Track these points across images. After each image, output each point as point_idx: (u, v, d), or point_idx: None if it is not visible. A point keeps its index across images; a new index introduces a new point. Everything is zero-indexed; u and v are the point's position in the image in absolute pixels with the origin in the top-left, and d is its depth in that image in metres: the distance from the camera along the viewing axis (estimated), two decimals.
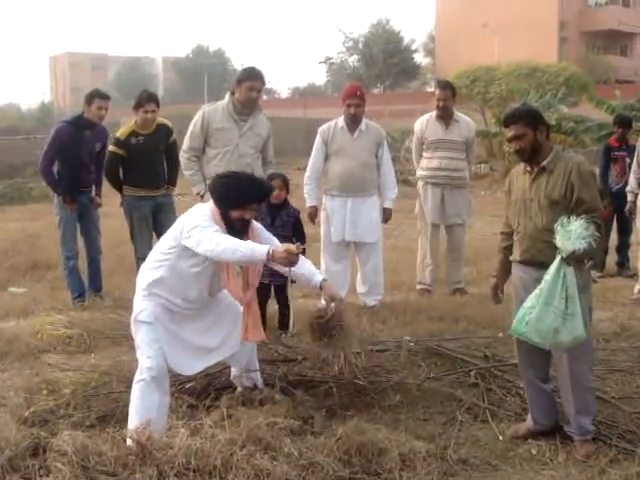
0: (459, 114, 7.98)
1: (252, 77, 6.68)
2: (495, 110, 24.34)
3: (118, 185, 7.68)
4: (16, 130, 31.17)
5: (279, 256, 4.05)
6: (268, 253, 4.02)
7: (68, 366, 5.63)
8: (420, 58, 66.64)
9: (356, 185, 7.13)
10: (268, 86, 68.12)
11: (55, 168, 7.69)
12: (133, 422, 4.13)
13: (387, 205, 7.39)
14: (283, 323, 6.37)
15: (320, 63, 69.08)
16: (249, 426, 3.75)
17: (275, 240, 4.60)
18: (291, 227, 6.38)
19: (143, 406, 4.18)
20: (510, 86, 24.92)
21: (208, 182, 4.95)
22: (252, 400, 4.62)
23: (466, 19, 54.18)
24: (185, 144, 6.85)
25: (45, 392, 5.05)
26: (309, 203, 7.26)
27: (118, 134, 7.62)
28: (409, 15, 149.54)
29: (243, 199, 4.29)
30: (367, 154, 7.20)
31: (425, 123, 7.91)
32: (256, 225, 4.62)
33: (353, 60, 63.90)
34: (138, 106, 7.45)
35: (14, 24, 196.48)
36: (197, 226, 4.17)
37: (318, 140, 7.29)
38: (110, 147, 7.70)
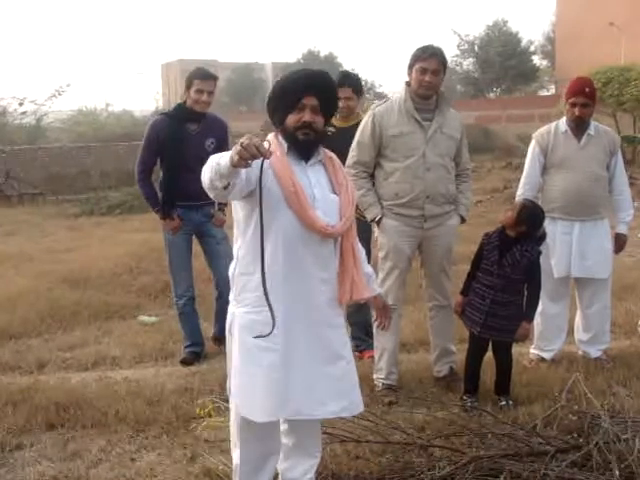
0: None
1: (420, 57, 4.94)
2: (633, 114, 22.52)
3: None
4: (132, 136, 30.94)
5: (237, 152, 2.86)
6: (231, 157, 2.93)
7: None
8: (537, 61, 64.12)
9: (585, 205, 5.53)
10: (379, 90, 66.67)
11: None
12: None
13: (621, 230, 5.73)
14: (502, 387, 4.88)
15: None
16: None
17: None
18: (523, 270, 4.69)
19: None
20: None
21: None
22: None
23: (588, 18, 51.70)
24: (351, 157, 5.14)
25: None
26: None
27: None
28: (526, 16, 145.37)
29: (290, 93, 3.33)
30: (597, 165, 5.56)
31: None
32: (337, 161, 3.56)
33: (468, 63, 61.76)
34: None
35: (129, 34, 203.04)
36: None
37: (534, 149, 5.69)
38: None
